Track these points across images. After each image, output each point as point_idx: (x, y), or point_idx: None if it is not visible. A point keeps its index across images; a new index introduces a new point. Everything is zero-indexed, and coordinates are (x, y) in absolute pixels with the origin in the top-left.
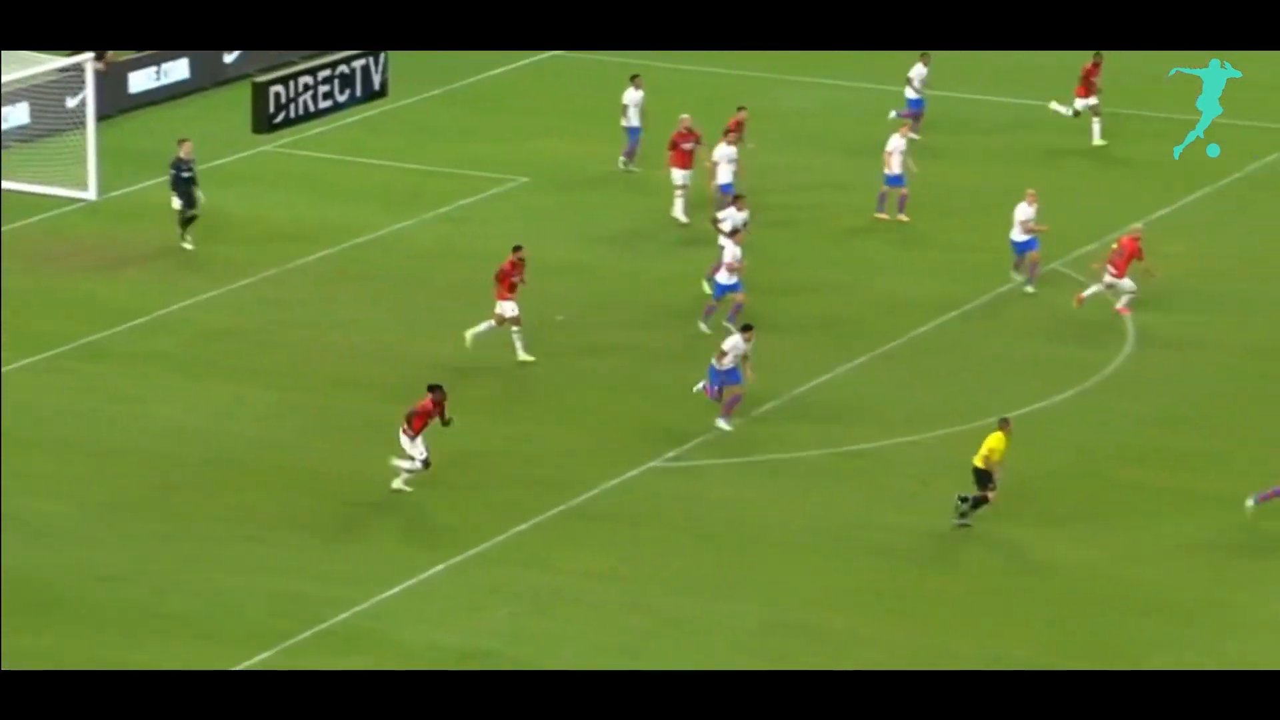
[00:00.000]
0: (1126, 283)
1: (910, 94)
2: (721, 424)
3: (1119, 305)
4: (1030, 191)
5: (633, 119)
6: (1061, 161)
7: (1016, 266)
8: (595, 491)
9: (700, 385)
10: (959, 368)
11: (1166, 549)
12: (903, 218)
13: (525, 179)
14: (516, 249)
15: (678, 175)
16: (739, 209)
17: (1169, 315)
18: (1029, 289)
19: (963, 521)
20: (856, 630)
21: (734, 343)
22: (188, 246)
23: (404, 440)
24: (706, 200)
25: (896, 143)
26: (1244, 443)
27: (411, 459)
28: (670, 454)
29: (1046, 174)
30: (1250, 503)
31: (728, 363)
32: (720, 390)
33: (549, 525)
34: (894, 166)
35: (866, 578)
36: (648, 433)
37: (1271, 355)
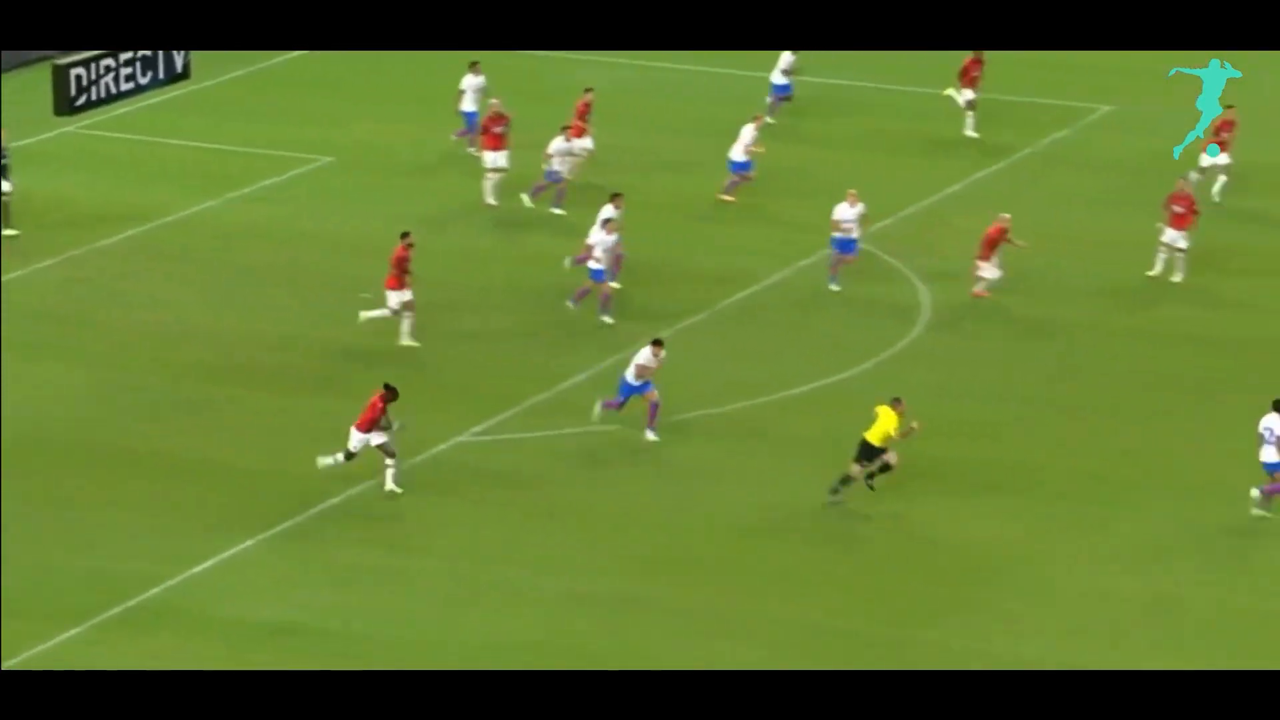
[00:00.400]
0: (989, 269)
1: (778, 79)
2: (650, 436)
3: (976, 289)
4: (851, 192)
5: (468, 104)
6: (876, 141)
7: (835, 267)
8: (404, 465)
9: (599, 406)
10: (762, 342)
11: (962, 516)
12: (728, 198)
13: (330, 159)
14: (405, 235)
15: (489, 158)
16: (616, 206)
17: (964, 288)
18: (832, 286)
19: (835, 499)
20: (669, 600)
21: (644, 356)
22: (11, 233)
23: (358, 436)
24: (521, 182)
25: (746, 129)
26: (1020, 415)
27: (392, 457)
28: (477, 428)
29: (864, 156)
30: (1256, 493)
31: (635, 377)
32: (623, 403)
33: (360, 499)
34: (737, 153)
35: (674, 548)
36: (455, 407)
37: (1056, 328)
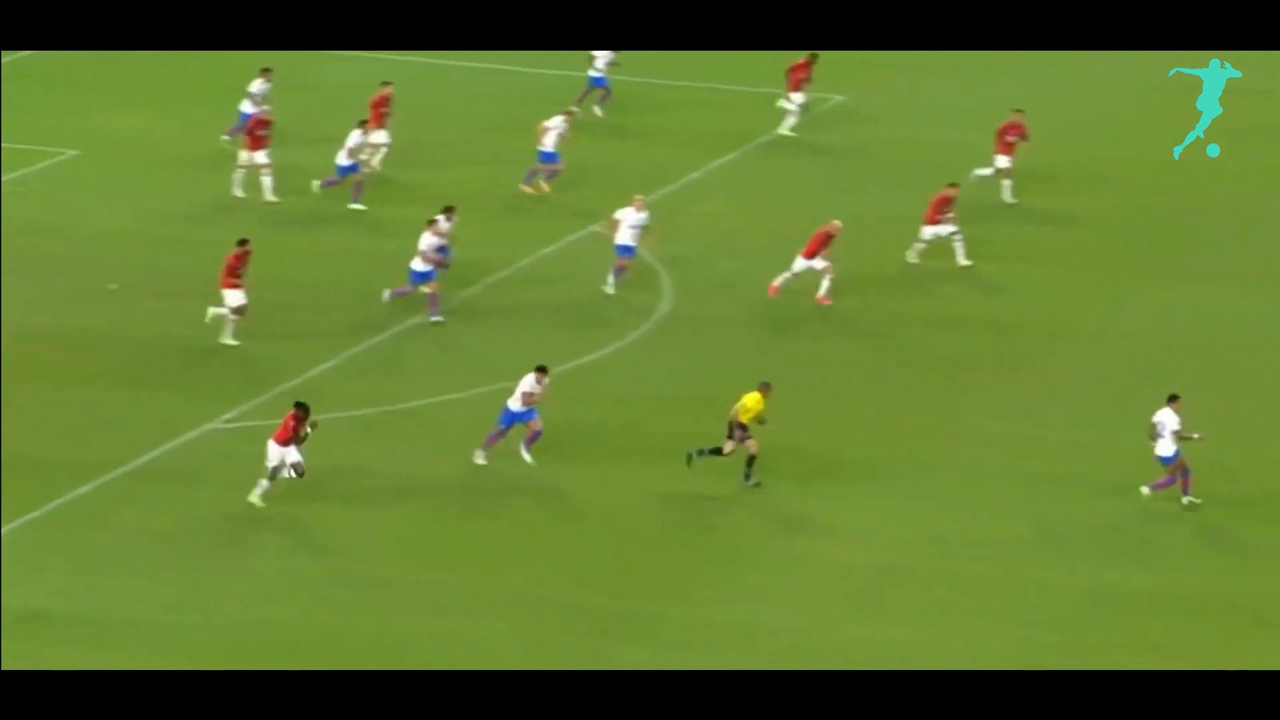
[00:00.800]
0: (818, 262)
1: (594, 73)
2: (527, 457)
3: (821, 294)
4: (638, 197)
5: (247, 105)
6: (623, 131)
7: (618, 271)
8: (155, 453)
9: (481, 457)
10: (507, 328)
11: (695, 492)
12: (545, 188)
13: (75, 153)
14: (243, 242)
15: (259, 156)
16: (448, 217)
17: (701, 270)
18: (609, 290)
19: (698, 457)
20: (411, 578)
21: (528, 383)
22: None
23: (275, 450)
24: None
25: (555, 121)
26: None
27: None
28: (227, 415)
29: (614, 145)
30: (1146, 490)
31: (521, 404)
32: (504, 431)
33: (110, 486)
34: (548, 144)
35: (418, 527)
36: (205, 395)
37: (794, 310)
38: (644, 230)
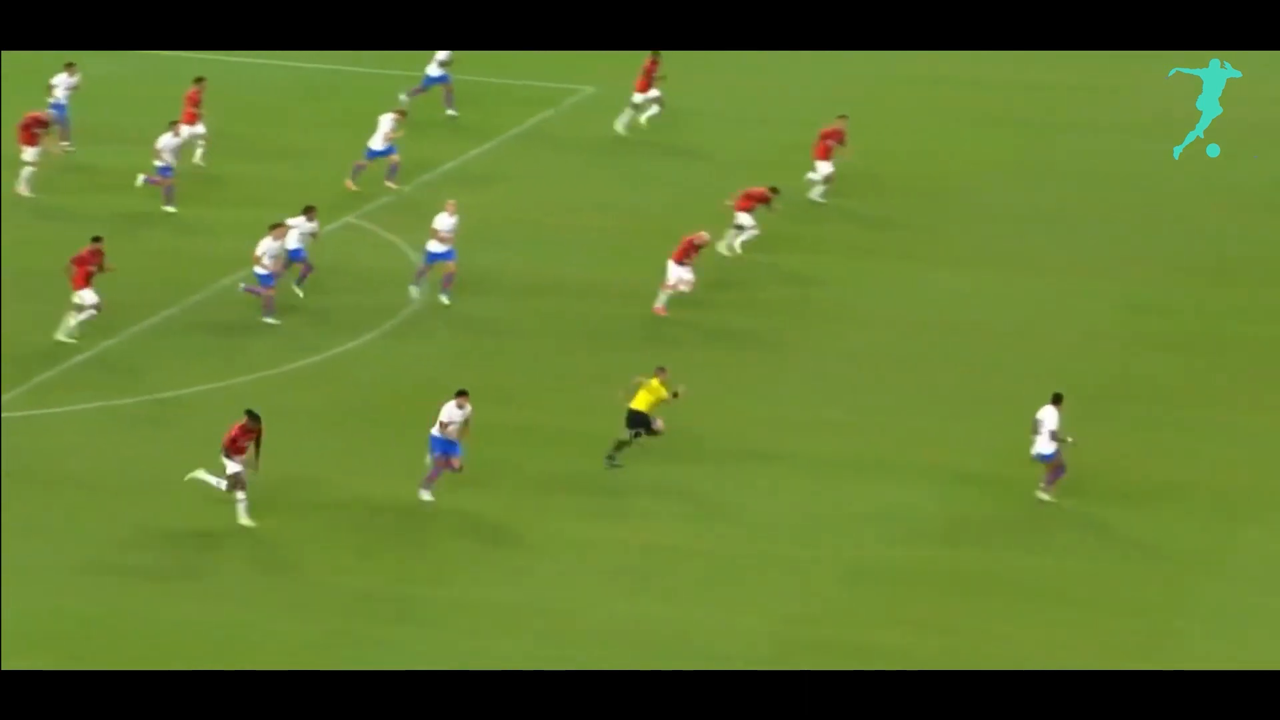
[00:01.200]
0: (686, 273)
1: (433, 71)
2: (425, 495)
3: (658, 304)
4: (450, 202)
5: (60, 97)
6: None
7: (420, 275)
8: None
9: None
10: (258, 319)
11: (457, 478)
12: (354, 187)
13: None
14: (96, 239)
15: (28, 153)
16: (309, 218)
17: (465, 259)
18: (413, 290)
19: (613, 464)
20: (179, 565)
21: (449, 411)
22: None
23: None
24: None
25: (385, 120)
26: (534, 378)
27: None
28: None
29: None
30: (1044, 497)
31: (452, 433)
32: (437, 458)
33: None
34: (377, 142)
35: (181, 518)
36: None
37: (550, 291)
38: (455, 231)
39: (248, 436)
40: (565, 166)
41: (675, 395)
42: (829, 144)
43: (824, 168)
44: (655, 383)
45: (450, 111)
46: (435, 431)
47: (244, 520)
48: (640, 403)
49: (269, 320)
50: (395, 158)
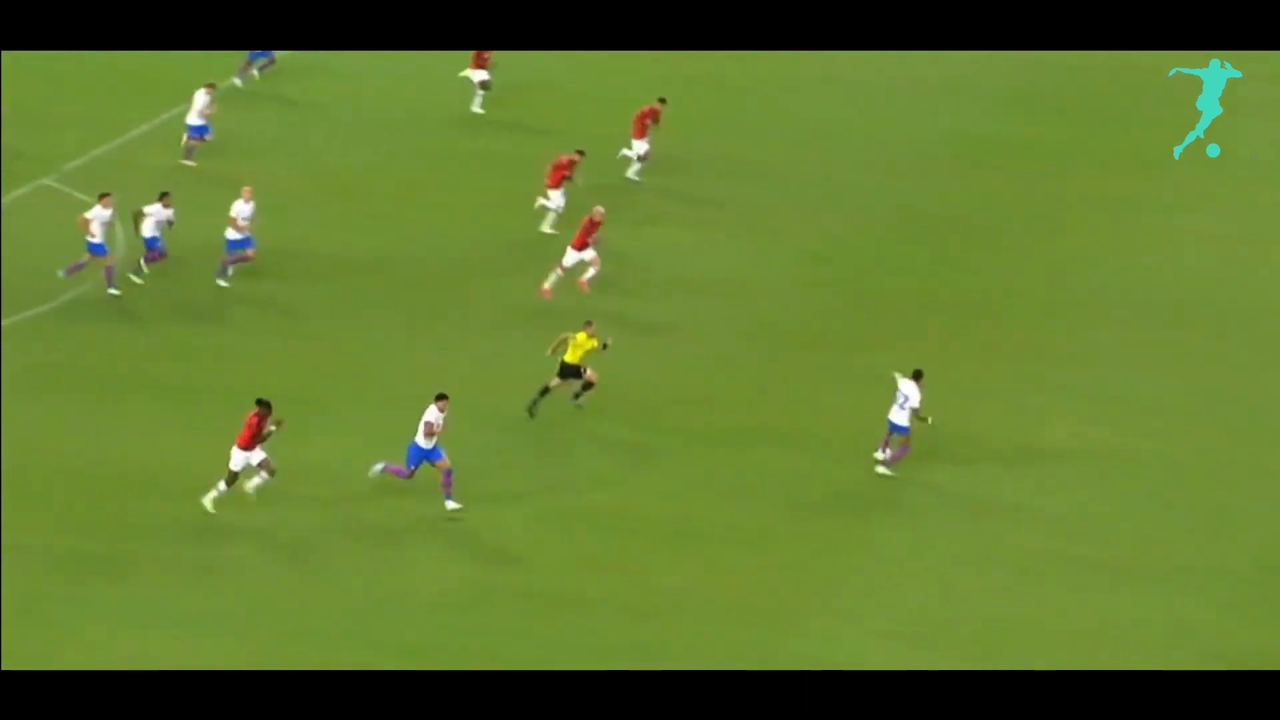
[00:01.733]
0: (588, 254)
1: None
2: (451, 505)
3: (583, 278)
4: (247, 189)
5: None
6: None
7: (224, 265)
8: None
9: (380, 466)
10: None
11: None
12: (189, 163)
13: None
14: None
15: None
16: (165, 205)
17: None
18: (221, 283)
19: (532, 415)
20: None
21: (431, 413)
22: None
23: (239, 455)
24: None
25: (201, 98)
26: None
27: (261, 474)
28: None
29: None
30: (882, 469)
31: (424, 436)
32: (414, 470)
33: None
34: (194, 118)
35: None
36: None
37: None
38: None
39: (264, 423)
40: (265, 127)
41: (604, 346)
42: (646, 124)
43: (639, 146)
44: (582, 336)
45: (254, 75)
46: (418, 440)
47: (207, 503)
48: (571, 356)
49: (112, 291)
50: (209, 137)
